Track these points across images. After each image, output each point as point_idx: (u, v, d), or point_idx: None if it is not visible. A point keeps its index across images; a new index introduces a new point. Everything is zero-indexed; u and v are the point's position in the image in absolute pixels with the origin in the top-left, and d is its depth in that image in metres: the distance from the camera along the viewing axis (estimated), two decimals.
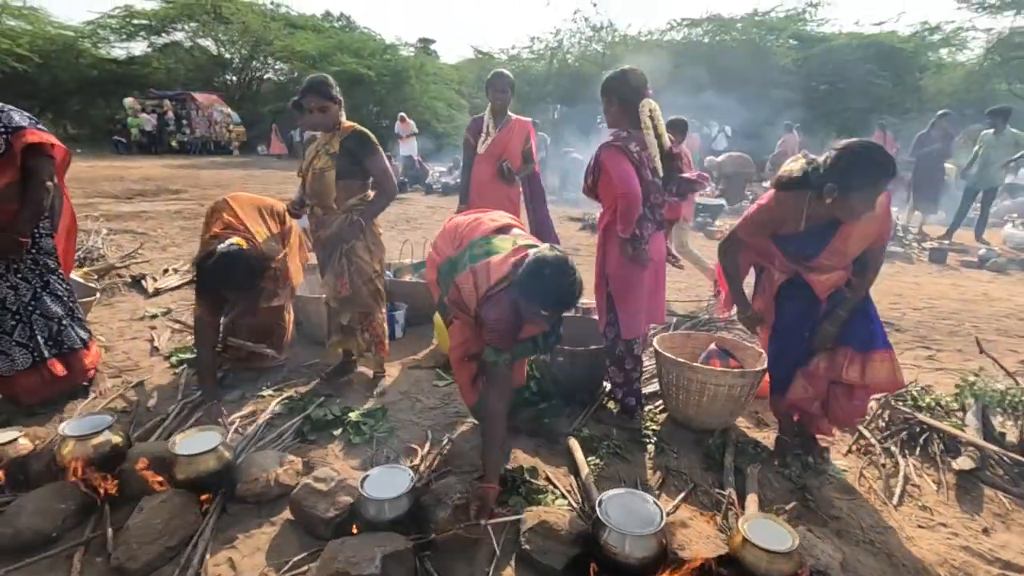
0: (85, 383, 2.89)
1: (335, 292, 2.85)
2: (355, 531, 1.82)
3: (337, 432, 2.59)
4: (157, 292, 4.58)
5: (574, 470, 2.35)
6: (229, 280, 2.60)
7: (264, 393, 2.96)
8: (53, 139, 2.56)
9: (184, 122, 20.55)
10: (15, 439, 2.15)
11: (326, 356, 3.11)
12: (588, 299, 2.95)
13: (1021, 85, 18.18)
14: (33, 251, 2.64)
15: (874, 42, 17.67)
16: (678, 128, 4.78)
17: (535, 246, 2.05)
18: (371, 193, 2.83)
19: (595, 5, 17.41)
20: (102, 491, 1.96)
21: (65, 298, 2.79)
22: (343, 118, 2.75)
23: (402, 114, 13.65)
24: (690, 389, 2.62)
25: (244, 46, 24.11)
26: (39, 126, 2.55)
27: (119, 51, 24.00)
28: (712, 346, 2.93)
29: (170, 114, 20.10)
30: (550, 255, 1.88)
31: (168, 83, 22.65)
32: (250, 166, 17.12)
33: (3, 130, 2.43)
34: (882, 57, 17.72)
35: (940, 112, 8.17)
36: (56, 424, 2.56)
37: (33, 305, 2.66)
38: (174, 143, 20.14)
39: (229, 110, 20.56)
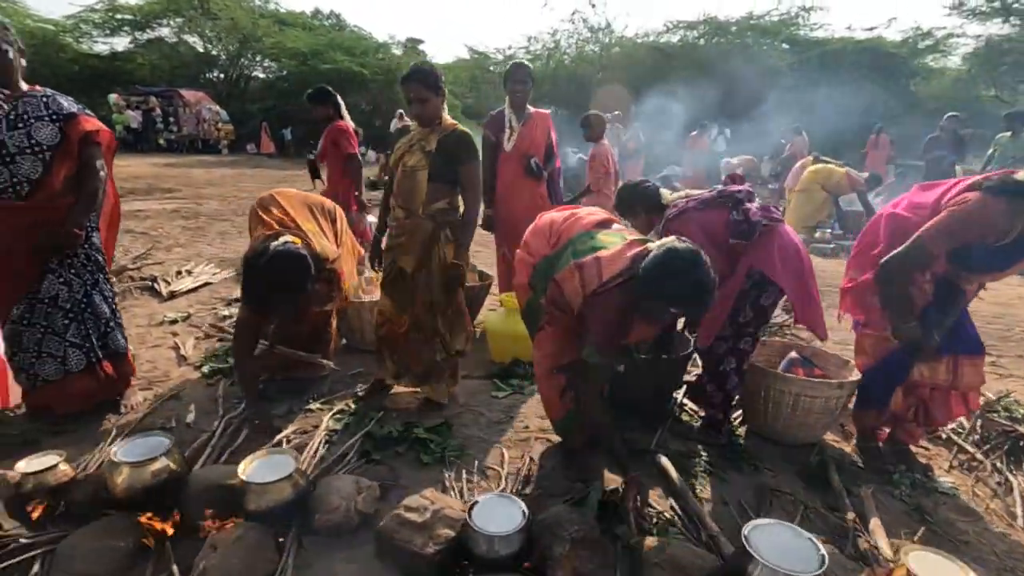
0: (117, 396, 2.63)
1: (413, 311, 2.59)
2: (462, 569, 1.61)
3: (402, 450, 2.37)
4: (172, 295, 4.30)
5: (671, 492, 2.15)
6: (282, 281, 2.32)
7: (313, 407, 2.72)
8: (100, 124, 2.37)
9: (171, 120, 20.01)
10: (55, 465, 1.89)
11: (383, 373, 2.81)
12: None
13: (1008, 92, 18.57)
14: (85, 246, 2.41)
15: (868, 47, 17.83)
16: (593, 125, 4.55)
17: (649, 240, 1.87)
18: (459, 201, 2.56)
19: (594, 6, 17.20)
20: (163, 527, 1.72)
21: (110, 298, 2.57)
22: (445, 113, 2.50)
23: (401, 111, 13.41)
24: (782, 402, 2.44)
25: (232, 43, 23.56)
26: (86, 111, 2.35)
27: (102, 46, 23.37)
28: (792, 354, 2.76)
29: (157, 111, 19.55)
30: (682, 247, 1.70)
31: (152, 80, 22.03)
32: (241, 164, 16.69)
33: (56, 117, 2.23)
34: (875, 62, 17.89)
35: (948, 115, 8.16)
36: (89, 444, 2.32)
37: (85, 303, 2.44)
38: (160, 141, 19.57)
39: (218, 108, 20.06)
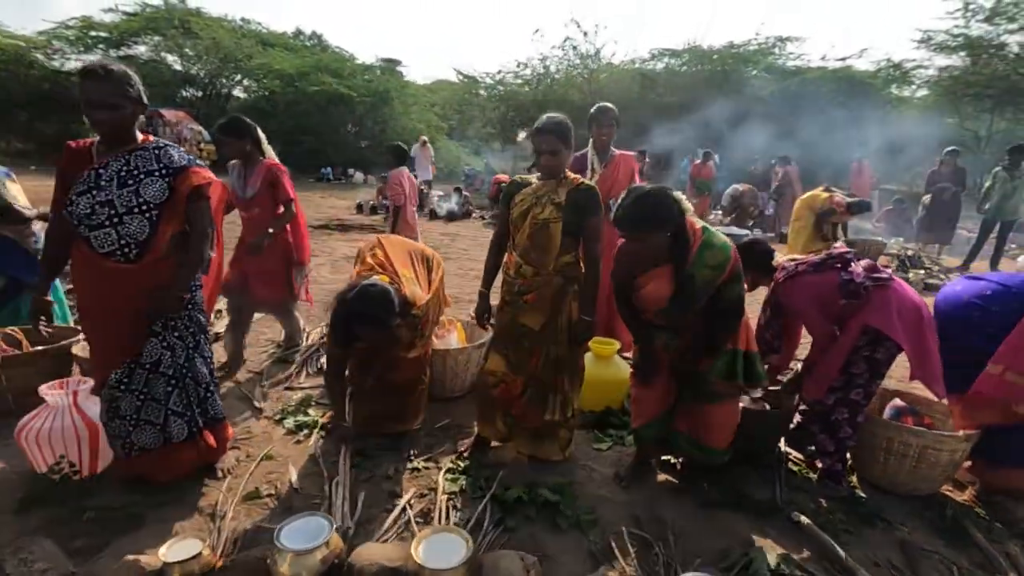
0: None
1: (531, 370, 2.51)
2: None
3: (532, 515, 2.27)
4: (217, 337, 4.10)
5: (824, 554, 2.11)
6: (364, 314, 2.39)
7: (418, 465, 2.61)
8: (212, 176, 2.22)
9: None
10: (199, 553, 1.74)
11: (490, 433, 2.71)
12: None
13: (971, 121, 19.60)
14: (188, 307, 2.25)
15: (843, 76, 18.60)
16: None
17: None
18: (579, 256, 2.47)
19: (586, 34, 17.51)
20: None
21: (209, 359, 2.41)
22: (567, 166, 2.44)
23: (424, 138, 13.38)
24: (906, 454, 2.44)
25: (212, 62, 23.17)
26: (197, 162, 2.20)
27: (75, 64, 22.67)
28: (897, 402, 2.78)
29: None
30: None
31: None
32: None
33: (166, 172, 2.09)
34: (850, 90, 18.66)
35: (948, 149, 8.53)
36: (196, 516, 2.17)
37: (186, 368, 2.29)
38: None
39: (200, 127, 19.60)
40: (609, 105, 3.71)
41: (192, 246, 2.20)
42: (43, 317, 2.23)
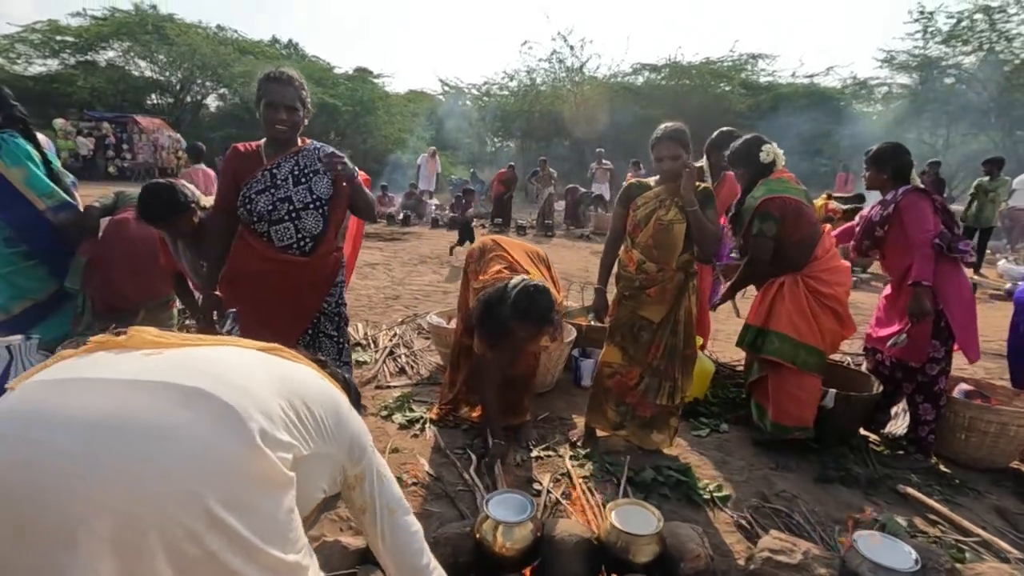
0: None
1: (649, 360, 2.67)
2: None
3: (668, 493, 2.44)
4: None
5: (940, 518, 2.34)
6: (532, 314, 2.34)
7: (539, 454, 2.74)
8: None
9: (124, 147, 18.91)
10: None
11: (599, 423, 2.84)
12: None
13: (928, 135, 20.84)
14: (338, 303, 2.35)
15: (815, 92, 19.61)
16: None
17: None
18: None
19: (572, 48, 18.00)
20: None
21: (350, 365, 2.50)
22: None
23: (433, 148, 13.47)
24: (986, 431, 2.71)
25: (187, 69, 22.67)
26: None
27: (39, 68, 21.89)
28: (963, 385, 3.06)
29: (111, 138, 18.45)
30: None
31: (91, 103, 20.83)
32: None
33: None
34: (820, 105, 19.66)
35: (930, 160, 9.16)
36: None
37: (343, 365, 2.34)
38: (111, 169, 18.45)
39: (178, 135, 19.15)
40: (732, 130, 3.59)
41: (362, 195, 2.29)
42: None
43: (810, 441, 2.80)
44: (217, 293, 2.28)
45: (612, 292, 2.81)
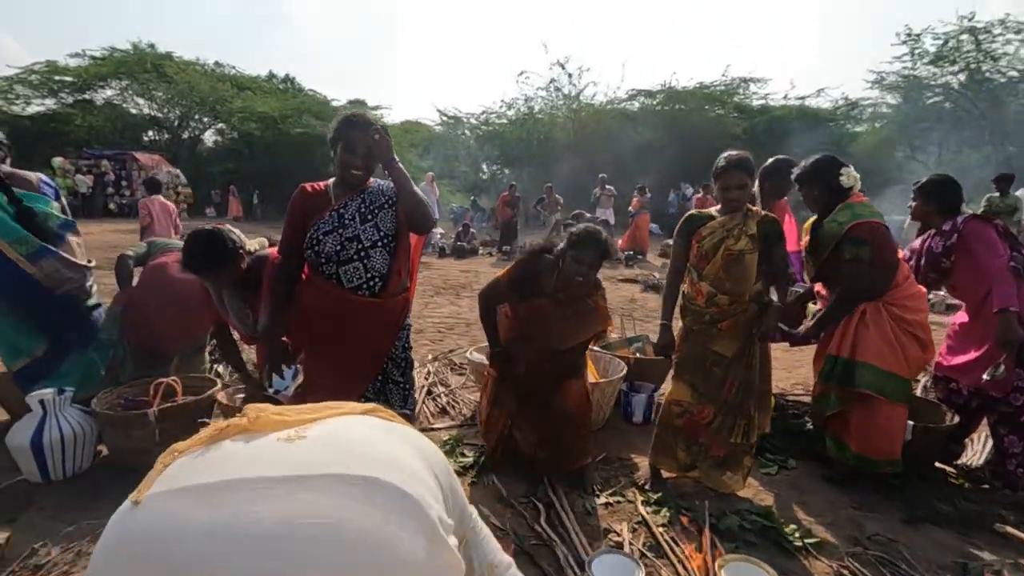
0: None
1: (723, 397, 2.54)
2: None
3: (755, 540, 2.29)
4: None
5: None
6: (594, 240, 2.44)
7: (606, 500, 2.58)
8: None
9: (123, 183, 18.87)
10: None
11: (668, 465, 2.70)
12: None
13: (920, 152, 21.16)
14: (405, 346, 2.27)
15: (808, 113, 19.92)
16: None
17: None
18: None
19: (570, 76, 18.20)
20: None
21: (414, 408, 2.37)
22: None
23: (431, 174, 13.48)
24: None
25: (185, 105, 22.79)
26: None
27: (36, 108, 21.92)
28: None
29: (110, 175, 18.41)
30: None
31: (89, 141, 20.86)
32: None
33: (390, 202, 2.21)
34: (813, 126, 19.96)
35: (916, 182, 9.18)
36: None
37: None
38: (111, 206, 18.39)
39: (177, 171, 19.14)
40: (787, 158, 3.48)
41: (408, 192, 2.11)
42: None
43: (891, 477, 2.67)
44: (285, 339, 2.15)
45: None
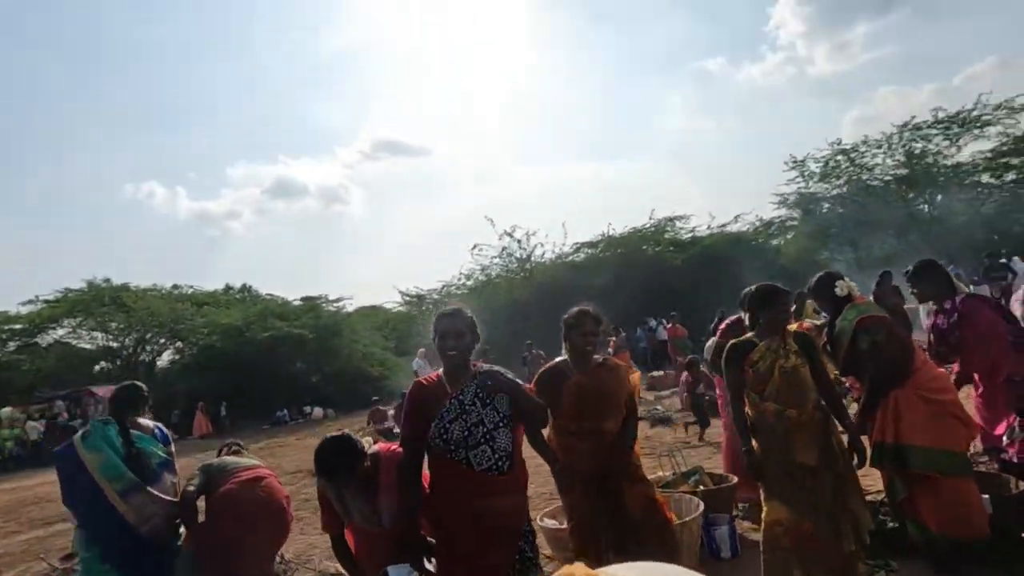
0: None
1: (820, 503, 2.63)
2: None
3: None
4: None
5: None
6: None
7: None
8: None
9: (79, 423, 17.91)
10: None
11: None
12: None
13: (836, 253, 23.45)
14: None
15: (731, 237, 22.16)
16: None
17: None
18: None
19: (519, 242, 20.00)
20: None
21: None
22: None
23: (423, 349, 13.68)
24: None
25: (140, 331, 22.66)
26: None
27: None
28: None
29: (64, 416, 17.53)
30: None
31: (37, 384, 20.07)
32: (179, 454, 14.96)
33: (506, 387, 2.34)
34: (739, 249, 22.07)
35: (883, 271, 10.21)
36: None
37: None
38: None
39: None
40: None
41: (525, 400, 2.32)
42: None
43: (991, 554, 2.75)
44: (424, 536, 2.18)
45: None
